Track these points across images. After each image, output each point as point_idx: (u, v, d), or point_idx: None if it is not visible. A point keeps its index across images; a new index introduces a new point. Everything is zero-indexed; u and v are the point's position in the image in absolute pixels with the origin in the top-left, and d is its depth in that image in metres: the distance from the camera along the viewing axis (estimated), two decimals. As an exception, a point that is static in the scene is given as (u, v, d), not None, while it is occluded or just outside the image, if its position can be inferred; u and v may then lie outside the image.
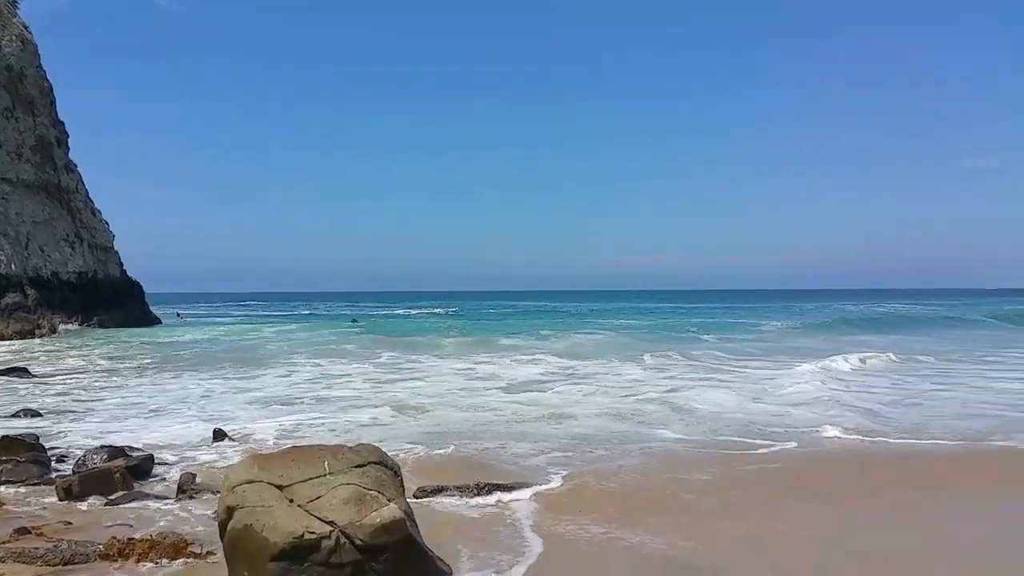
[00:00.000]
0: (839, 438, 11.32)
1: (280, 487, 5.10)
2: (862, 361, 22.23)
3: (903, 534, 6.88)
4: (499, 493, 7.79)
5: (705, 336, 36.30)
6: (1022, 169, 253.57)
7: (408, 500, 5.63)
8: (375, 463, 5.28)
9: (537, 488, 8.18)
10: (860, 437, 11.32)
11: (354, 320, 54.19)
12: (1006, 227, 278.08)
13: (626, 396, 16.01)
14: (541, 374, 20.64)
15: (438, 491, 7.77)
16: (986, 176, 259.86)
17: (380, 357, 25.37)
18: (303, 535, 4.82)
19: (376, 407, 14.28)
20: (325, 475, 5.13)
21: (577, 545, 6.60)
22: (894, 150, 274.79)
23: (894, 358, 23.32)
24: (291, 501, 5.02)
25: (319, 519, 4.90)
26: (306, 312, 78.47)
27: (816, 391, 16.17)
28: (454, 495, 7.72)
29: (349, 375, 20.27)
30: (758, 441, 11.09)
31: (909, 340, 32.07)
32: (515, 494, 7.85)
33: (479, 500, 7.67)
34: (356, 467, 5.19)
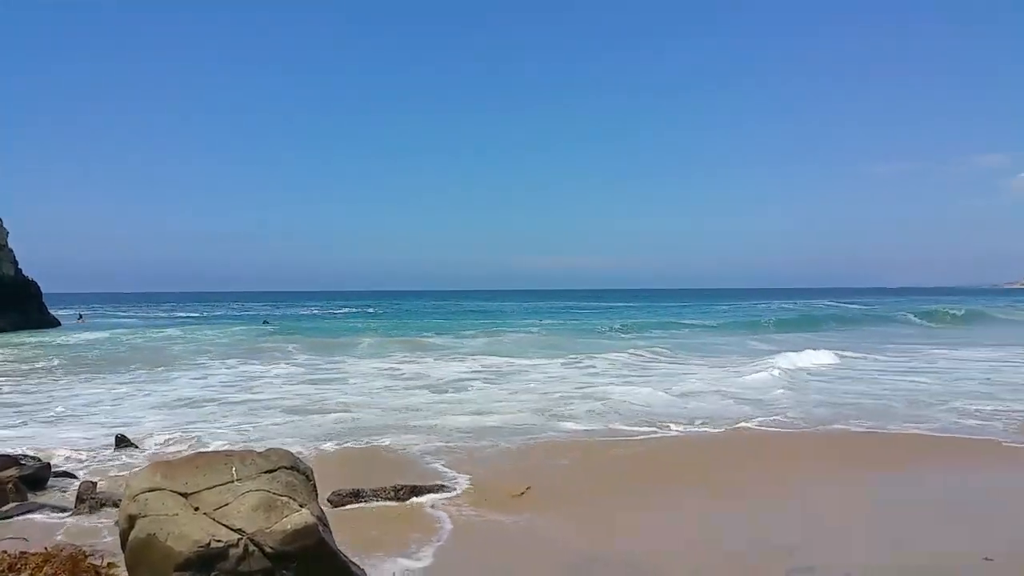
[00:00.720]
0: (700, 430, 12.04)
1: (185, 495, 4.91)
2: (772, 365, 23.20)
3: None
4: (417, 495, 7.72)
5: (627, 335, 37.14)
6: (922, 173, 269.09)
7: (322, 505, 5.54)
8: (286, 468, 5.14)
9: (454, 489, 8.19)
10: (726, 427, 12.15)
11: (266, 322, 50.82)
12: (905, 228, 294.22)
13: (547, 393, 16.19)
14: (466, 373, 20.60)
15: (354, 495, 7.63)
16: (889, 180, 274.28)
17: (296, 358, 24.87)
18: (209, 543, 4.65)
19: (291, 409, 13.96)
20: (232, 481, 4.97)
21: (495, 541, 6.68)
22: (807, 154, 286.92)
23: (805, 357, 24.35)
24: (196, 509, 4.85)
25: (226, 527, 4.74)
26: (219, 313, 75.36)
27: (713, 386, 16.96)
28: (371, 499, 7.61)
29: (262, 377, 19.73)
30: (643, 428, 12.00)
31: (850, 340, 33.04)
32: (433, 496, 7.80)
33: (396, 503, 7.57)
34: (266, 472, 5.05)
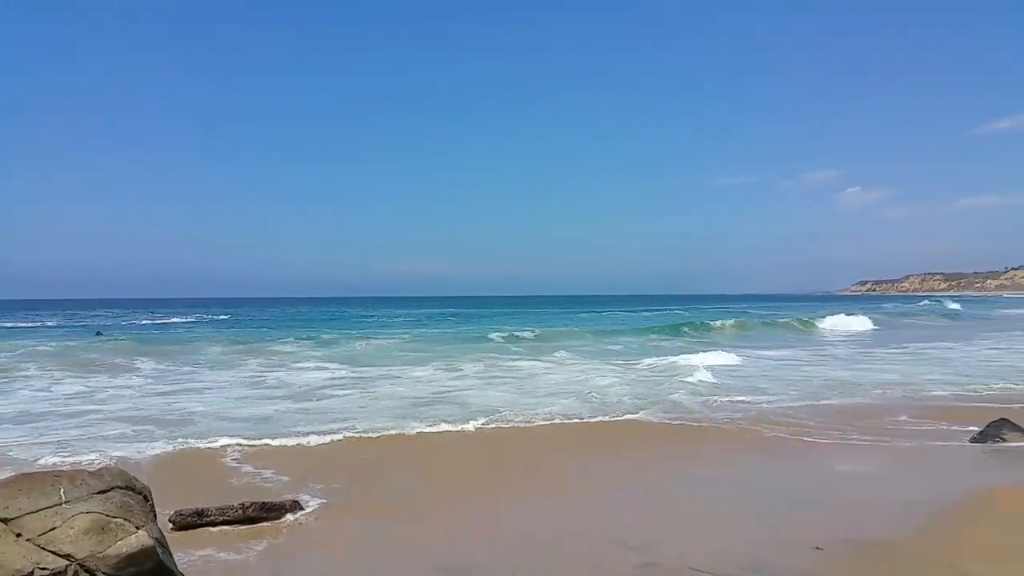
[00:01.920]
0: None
1: (5, 520, 4.50)
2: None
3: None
4: (267, 512, 7.35)
5: (492, 336, 37.55)
6: (763, 187, 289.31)
7: (163, 526, 5.23)
8: (121, 487, 4.81)
9: (307, 504, 7.92)
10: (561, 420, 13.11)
11: (99, 333, 43.46)
12: (749, 239, 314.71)
13: (407, 398, 16.11)
14: (328, 380, 20.05)
15: (198, 515, 7.16)
16: (730, 193, 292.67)
17: (140, 369, 23.29)
18: (32, 572, 4.29)
19: (130, 423, 13.05)
20: (61, 504, 4.59)
21: (354, 557, 6.54)
22: (656, 168, 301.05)
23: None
24: (19, 535, 4.45)
25: (53, 553, 4.38)
26: (52, 324, 66.52)
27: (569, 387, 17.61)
28: (217, 518, 7.18)
29: (102, 390, 18.33)
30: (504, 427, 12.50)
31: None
32: (284, 513, 7.48)
33: (245, 523, 7.19)
34: (98, 493, 4.70)
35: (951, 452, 10.32)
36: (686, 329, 43.00)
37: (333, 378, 20.56)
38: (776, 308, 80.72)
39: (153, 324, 60.39)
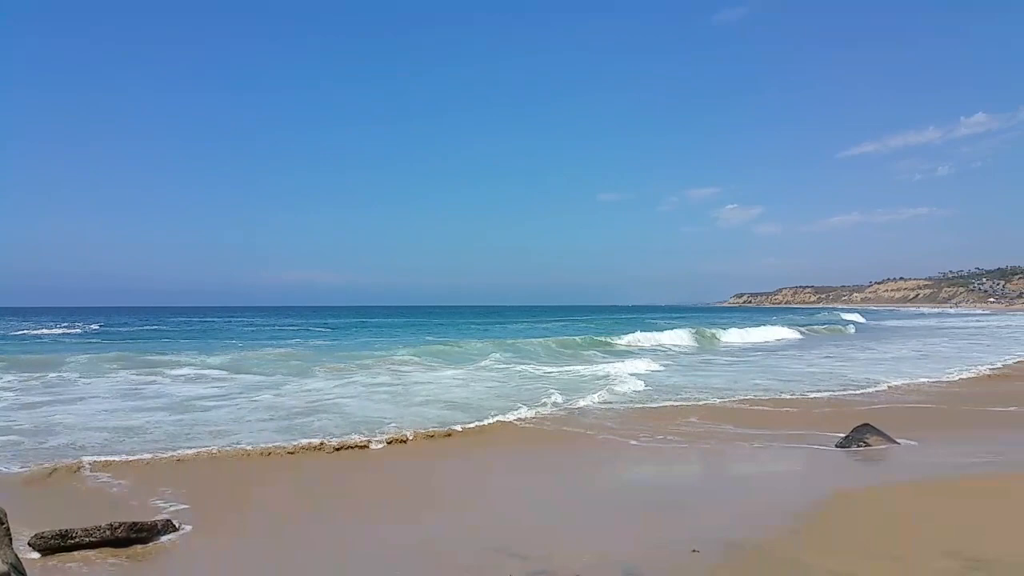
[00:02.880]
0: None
1: None
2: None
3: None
4: (138, 534, 6.91)
5: (386, 350, 36.99)
6: (642, 203, 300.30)
7: (23, 550, 4.85)
8: (-29, 510, 4.46)
9: (180, 525, 7.54)
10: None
11: None
12: (632, 253, 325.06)
13: (286, 409, 15.65)
14: (207, 391, 19.14)
15: (62, 536, 6.65)
16: (619, 208, 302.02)
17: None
18: None
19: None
20: (-101, 530, 4.21)
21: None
22: (545, 181, 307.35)
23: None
24: None
25: None
26: None
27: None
28: (83, 540, 6.70)
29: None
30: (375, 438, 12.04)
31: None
32: (156, 534, 7.07)
33: (113, 547, 6.75)
34: (-56, 517, 4.34)
35: (817, 456, 10.94)
36: (602, 338, 43.89)
37: (214, 389, 19.71)
38: (672, 317, 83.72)
39: (17, 335, 56.02)
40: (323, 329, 64.62)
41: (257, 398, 17.64)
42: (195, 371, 24.40)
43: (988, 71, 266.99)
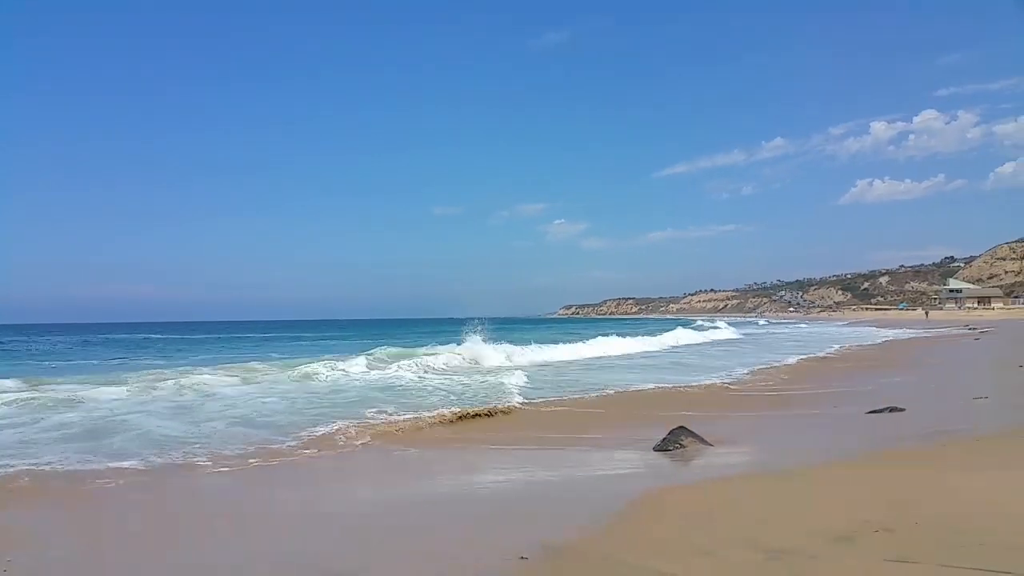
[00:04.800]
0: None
1: None
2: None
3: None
4: None
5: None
6: (474, 215, 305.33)
7: None
8: None
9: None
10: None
11: None
12: (470, 266, 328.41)
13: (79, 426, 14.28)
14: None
15: None
16: (451, 222, 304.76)
17: None
18: None
19: None
20: None
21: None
22: (383, 197, 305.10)
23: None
24: None
25: None
26: None
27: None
28: None
29: None
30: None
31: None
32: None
33: None
34: None
35: (636, 458, 11.45)
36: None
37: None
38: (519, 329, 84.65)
39: None
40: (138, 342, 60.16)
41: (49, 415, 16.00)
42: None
43: (785, 100, 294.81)
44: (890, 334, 60.95)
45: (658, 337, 52.96)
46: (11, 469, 10.61)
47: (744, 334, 68.63)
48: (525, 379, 23.84)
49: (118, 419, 15.55)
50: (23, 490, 9.75)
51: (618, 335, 48.29)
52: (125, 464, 11.03)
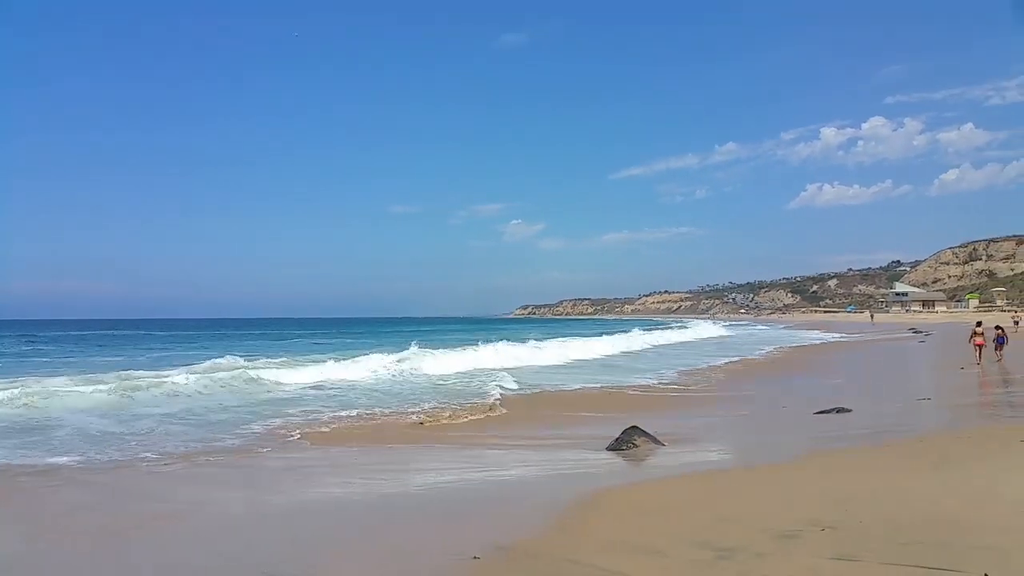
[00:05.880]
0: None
1: None
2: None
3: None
4: None
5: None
6: (437, 215, 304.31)
7: None
8: None
9: None
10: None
11: None
12: (426, 265, 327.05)
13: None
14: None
15: None
16: (408, 220, 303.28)
17: None
18: None
19: None
20: None
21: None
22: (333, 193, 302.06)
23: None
24: None
25: None
26: None
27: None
28: None
29: None
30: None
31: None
32: None
33: None
34: None
35: (588, 458, 11.51)
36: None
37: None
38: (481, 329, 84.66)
39: None
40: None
41: None
42: None
43: (738, 105, 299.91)
44: (838, 336, 62.44)
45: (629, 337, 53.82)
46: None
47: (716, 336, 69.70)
48: (510, 380, 23.92)
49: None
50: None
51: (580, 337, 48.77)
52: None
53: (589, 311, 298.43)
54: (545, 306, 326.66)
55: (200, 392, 20.19)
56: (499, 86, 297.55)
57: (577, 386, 23.00)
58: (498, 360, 33.82)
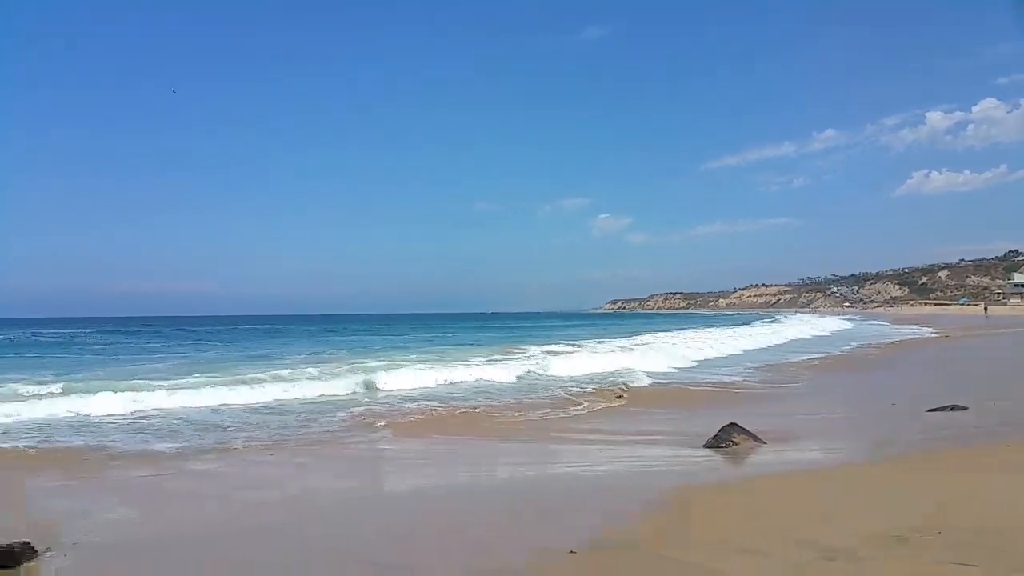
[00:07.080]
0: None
1: None
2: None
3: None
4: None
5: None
6: (514, 213, 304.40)
7: None
8: None
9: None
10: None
11: None
12: (503, 261, 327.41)
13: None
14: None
15: None
16: (488, 219, 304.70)
17: None
18: None
19: None
20: None
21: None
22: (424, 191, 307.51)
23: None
24: None
25: None
26: None
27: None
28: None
29: None
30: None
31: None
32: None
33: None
34: None
35: (686, 455, 11.38)
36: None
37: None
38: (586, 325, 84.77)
39: None
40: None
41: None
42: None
43: (836, 92, 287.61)
44: (948, 329, 59.30)
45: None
46: None
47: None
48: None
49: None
50: None
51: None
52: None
53: (681, 305, 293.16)
54: (635, 300, 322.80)
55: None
56: (581, 80, 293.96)
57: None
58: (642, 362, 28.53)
